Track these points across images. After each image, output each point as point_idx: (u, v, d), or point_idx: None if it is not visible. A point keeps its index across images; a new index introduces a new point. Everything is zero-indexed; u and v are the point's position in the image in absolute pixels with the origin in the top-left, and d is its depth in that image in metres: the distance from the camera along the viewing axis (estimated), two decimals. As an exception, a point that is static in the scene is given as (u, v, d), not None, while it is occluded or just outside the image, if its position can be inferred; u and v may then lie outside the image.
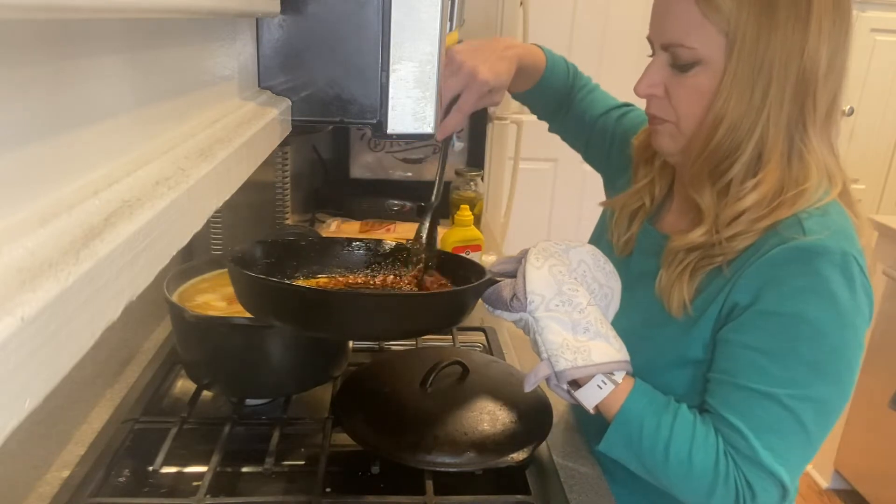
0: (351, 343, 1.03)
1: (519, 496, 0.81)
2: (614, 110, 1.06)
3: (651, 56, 0.80)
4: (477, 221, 1.67)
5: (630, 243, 0.91)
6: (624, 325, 0.83)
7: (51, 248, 0.29)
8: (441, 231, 1.57)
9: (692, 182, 0.79)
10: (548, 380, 0.76)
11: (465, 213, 1.42)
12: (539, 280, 0.74)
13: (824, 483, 2.46)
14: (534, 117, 1.15)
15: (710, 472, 0.72)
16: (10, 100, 0.30)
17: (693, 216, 0.81)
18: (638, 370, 0.80)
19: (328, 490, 0.80)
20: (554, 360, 0.73)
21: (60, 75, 0.35)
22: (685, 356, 0.80)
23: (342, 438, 0.87)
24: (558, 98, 1.07)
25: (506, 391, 0.95)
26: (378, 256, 0.93)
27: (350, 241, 0.93)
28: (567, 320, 0.73)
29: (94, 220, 0.34)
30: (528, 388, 0.77)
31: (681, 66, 0.75)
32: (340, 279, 0.91)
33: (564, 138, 1.14)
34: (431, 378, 0.92)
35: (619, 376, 0.75)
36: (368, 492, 0.80)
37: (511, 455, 0.83)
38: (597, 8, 2.74)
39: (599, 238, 0.99)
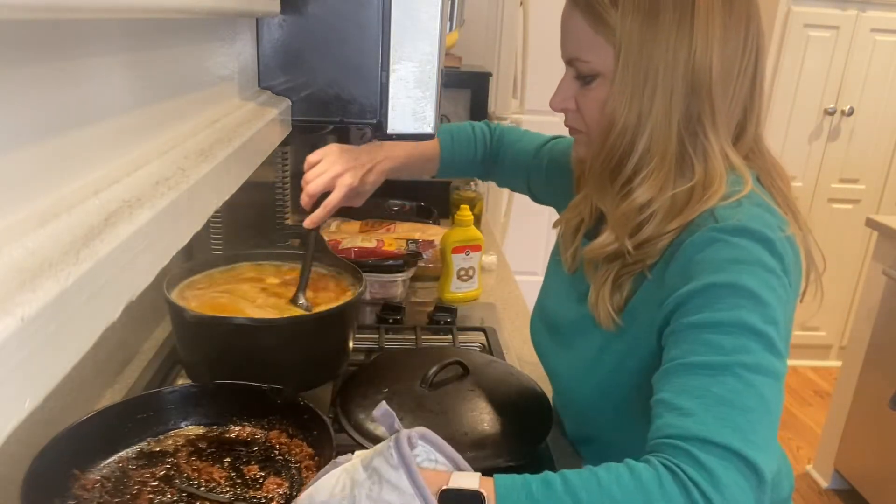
0: (351, 343, 1.03)
1: (519, 496, 0.81)
2: (544, 146, 1.10)
3: None
4: (477, 221, 1.67)
5: (576, 259, 0.90)
6: (581, 345, 0.84)
7: (51, 248, 0.29)
8: (441, 231, 1.57)
9: (594, 186, 0.80)
10: None
11: (465, 213, 1.42)
12: None
13: (824, 483, 2.46)
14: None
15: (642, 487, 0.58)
16: (10, 100, 0.30)
17: None
18: (591, 392, 0.80)
19: (328, 490, 0.80)
20: None
21: (60, 75, 0.35)
22: (628, 366, 0.77)
23: (342, 438, 0.87)
24: (477, 165, 1.15)
25: (505, 391, 0.95)
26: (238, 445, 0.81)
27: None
28: None
29: (94, 220, 0.34)
30: None
31: (583, 79, 0.78)
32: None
33: (512, 189, 1.19)
34: (431, 378, 0.92)
35: None
36: (368, 492, 0.80)
37: (510, 455, 0.83)
38: (597, 8, 2.73)
39: (555, 255, 0.98)
